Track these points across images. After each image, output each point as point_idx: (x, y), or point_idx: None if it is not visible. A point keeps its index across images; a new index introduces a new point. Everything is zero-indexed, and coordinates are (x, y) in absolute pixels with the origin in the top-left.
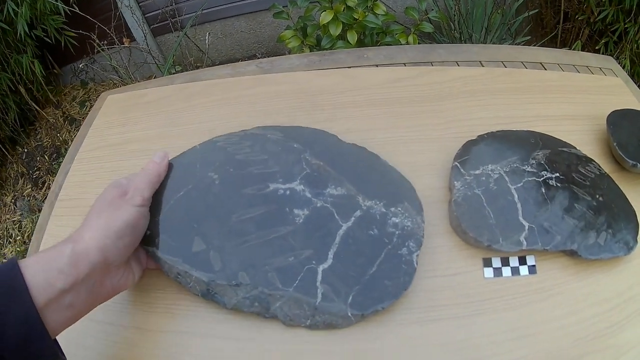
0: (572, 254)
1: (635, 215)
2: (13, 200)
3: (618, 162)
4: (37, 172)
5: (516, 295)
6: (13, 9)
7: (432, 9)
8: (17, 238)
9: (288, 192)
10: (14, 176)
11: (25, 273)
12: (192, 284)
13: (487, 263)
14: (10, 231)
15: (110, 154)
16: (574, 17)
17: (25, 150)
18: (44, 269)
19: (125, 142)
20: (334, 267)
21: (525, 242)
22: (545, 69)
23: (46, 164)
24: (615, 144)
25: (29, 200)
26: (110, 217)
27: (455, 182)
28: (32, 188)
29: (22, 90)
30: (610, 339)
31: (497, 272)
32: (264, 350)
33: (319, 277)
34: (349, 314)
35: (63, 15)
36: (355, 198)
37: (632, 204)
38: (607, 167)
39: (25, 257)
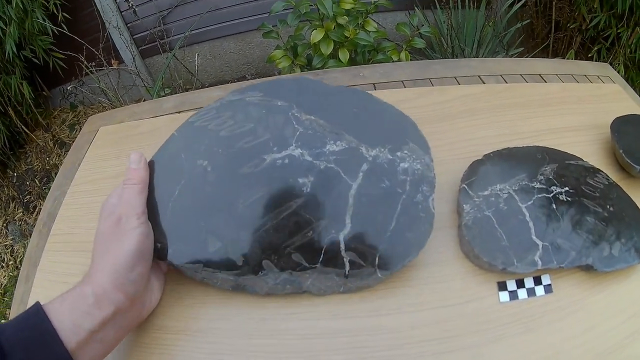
0: (588, 268)
1: None
2: (4, 225)
3: (625, 169)
4: (28, 197)
5: (533, 316)
6: (1, 28)
7: (423, 24)
8: (10, 263)
9: (287, 161)
10: (5, 200)
11: (51, 318)
12: (219, 283)
13: (502, 287)
14: (3, 255)
15: (104, 187)
16: (566, 25)
17: (16, 174)
18: (70, 311)
19: (120, 175)
20: (354, 232)
21: (540, 262)
22: (545, 81)
23: (37, 188)
24: (621, 151)
25: (20, 225)
26: (114, 254)
27: (464, 205)
28: (23, 212)
29: (11, 112)
30: (627, 349)
31: (513, 295)
32: None
33: (342, 246)
34: (379, 275)
35: (51, 35)
36: (358, 150)
37: None
38: (614, 175)
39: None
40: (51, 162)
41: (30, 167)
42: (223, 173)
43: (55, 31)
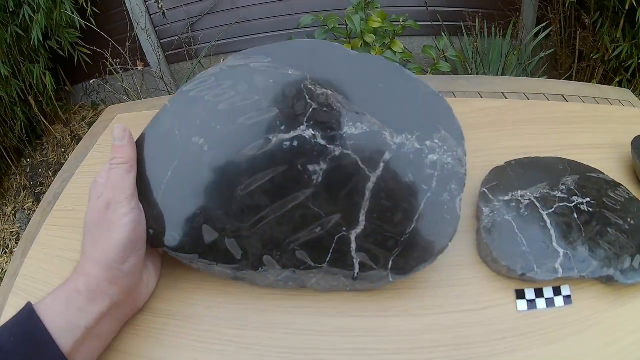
0: (609, 280)
1: None
2: (13, 212)
3: None
4: (40, 188)
5: (552, 329)
6: (29, 15)
7: (449, 49)
8: (14, 250)
9: (296, 143)
10: (16, 188)
11: (45, 319)
12: (217, 273)
13: (520, 295)
14: (7, 242)
15: None
16: (589, 56)
17: (30, 164)
18: (64, 310)
19: None
20: (367, 231)
21: (561, 269)
22: (567, 101)
23: (50, 180)
24: None
25: (29, 214)
26: (105, 245)
27: (483, 209)
28: (33, 202)
29: (32, 101)
30: None
31: (531, 304)
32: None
33: (353, 246)
34: (391, 279)
35: (78, 29)
36: (380, 135)
37: None
38: (634, 192)
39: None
40: (67, 156)
41: (45, 159)
42: (221, 154)
43: (83, 25)
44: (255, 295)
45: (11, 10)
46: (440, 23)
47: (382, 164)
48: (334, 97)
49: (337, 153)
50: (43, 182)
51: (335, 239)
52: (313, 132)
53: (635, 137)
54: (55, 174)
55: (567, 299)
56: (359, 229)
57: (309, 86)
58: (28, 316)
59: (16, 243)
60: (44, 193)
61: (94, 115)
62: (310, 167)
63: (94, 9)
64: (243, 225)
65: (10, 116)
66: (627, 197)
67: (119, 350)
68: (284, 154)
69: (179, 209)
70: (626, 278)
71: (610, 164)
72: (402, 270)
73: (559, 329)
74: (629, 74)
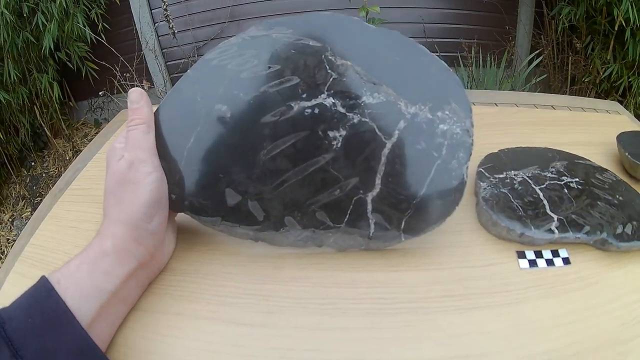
0: (603, 243)
1: None
2: (10, 219)
3: (631, 174)
4: (39, 199)
5: (555, 284)
6: (42, 22)
7: None
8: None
9: (317, 111)
10: (15, 196)
11: (67, 287)
12: (239, 234)
13: (521, 255)
14: (3, 248)
15: None
16: (581, 79)
17: (31, 174)
18: (90, 275)
19: None
20: (382, 194)
21: (557, 231)
22: (555, 110)
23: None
24: (627, 153)
25: (26, 223)
26: (131, 204)
27: (481, 184)
28: (31, 212)
29: (37, 111)
30: None
31: (532, 263)
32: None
33: (369, 207)
34: (403, 239)
35: (89, 42)
36: (396, 105)
37: None
38: None
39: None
40: (69, 166)
41: (46, 171)
42: (244, 120)
43: (94, 39)
44: (273, 254)
45: (25, 15)
46: (438, 54)
47: (397, 132)
48: (353, 68)
49: (355, 120)
50: (42, 192)
51: (353, 200)
52: (333, 101)
53: (621, 133)
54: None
55: (566, 259)
56: (375, 191)
57: (329, 57)
58: (46, 295)
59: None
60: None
61: (96, 133)
62: (331, 133)
63: (105, 24)
64: (266, 188)
65: (15, 123)
66: (614, 179)
67: (134, 307)
68: (305, 120)
69: (202, 174)
70: (620, 242)
71: (596, 158)
72: (413, 230)
73: (561, 284)
74: (619, 94)
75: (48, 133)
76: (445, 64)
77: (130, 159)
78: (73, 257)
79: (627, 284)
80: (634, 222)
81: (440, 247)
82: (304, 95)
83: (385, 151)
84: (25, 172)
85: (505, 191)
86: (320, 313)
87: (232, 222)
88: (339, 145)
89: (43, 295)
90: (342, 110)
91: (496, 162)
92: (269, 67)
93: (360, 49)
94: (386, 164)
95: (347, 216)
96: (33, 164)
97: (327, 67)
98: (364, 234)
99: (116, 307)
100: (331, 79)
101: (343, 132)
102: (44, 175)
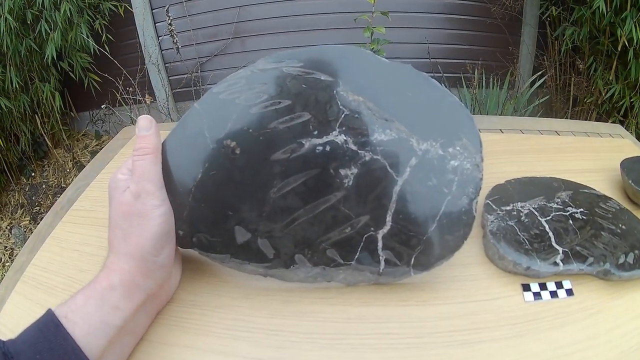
0: (606, 274)
1: None
2: (9, 227)
3: (634, 201)
4: (37, 208)
5: (558, 315)
6: (46, 30)
7: None
8: (7, 264)
9: (328, 148)
10: (14, 204)
11: (75, 321)
12: (248, 271)
13: (526, 288)
14: (1, 256)
15: None
16: (583, 100)
17: (30, 183)
18: (98, 310)
19: None
20: (393, 230)
21: (561, 264)
22: (559, 135)
23: (48, 202)
24: (630, 181)
25: (24, 232)
26: (139, 238)
27: (488, 216)
28: (29, 221)
29: (38, 120)
30: None
31: (537, 296)
32: None
33: (380, 244)
34: (412, 274)
35: (92, 53)
36: (408, 142)
37: None
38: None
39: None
40: (67, 181)
41: (45, 181)
42: (254, 157)
43: (97, 50)
44: (282, 287)
45: (29, 22)
46: (441, 75)
47: (408, 169)
48: (365, 104)
49: (367, 158)
50: (41, 202)
51: (364, 238)
52: (345, 138)
53: (624, 159)
54: (54, 196)
55: (569, 291)
56: (386, 229)
57: (341, 92)
58: (54, 330)
59: (9, 258)
60: (41, 213)
61: (96, 145)
62: (342, 171)
63: (109, 36)
64: (276, 226)
65: (16, 132)
66: (618, 207)
67: (143, 338)
68: (317, 158)
69: (211, 211)
70: (622, 271)
71: (600, 185)
72: (423, 266)
73: (564, 316)
74: (621, 114)
75: (48, 142)
76: (457, 99)
77: (137, 190)
78: (79, 291)
79: (628, 312)
80: (636, 251)
81: (448, 282)
82: (315, 132)
83: (397, 188)
84: (24, 180)
85: (512, 224)
86: (330, 348)
87: (241, 259)
88: (351, 183)
89: (51, 331)
90: (353, 147)
91: (503, 194)
92: (279, 102)
93: (372, 84)
94: (397, 201)
95: (358, 253)
96: (33, 173)
97: (339, 103)
98: (374, 271)
99: (124, 340)
100: (343, 115)
101: (355, 170)
102: (43, 185)
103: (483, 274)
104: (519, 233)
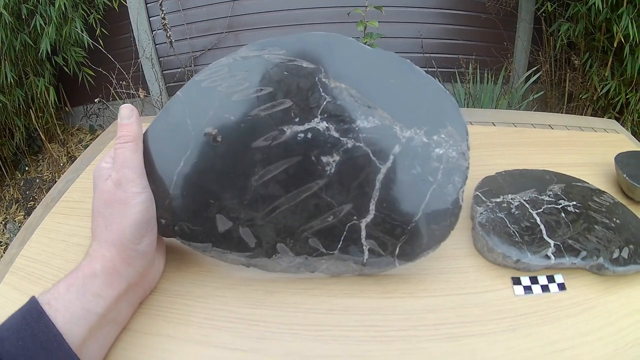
0: (600, 268)
1: None
2: (3, 222)
3: (628, 195)
4: (32, 203)
5: (549, 310)
6: (40, 25)
7: None
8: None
9: (310, 135)
10: (9, 199)
11: (58, 309)
12: (230, 260)
13: (517, 281)
14: None
15: None
16: (578, 96)
17: (25, 178)
18: (80, 297)
19: None
20: (377, 219)
21: (553, 257)
22: (553, 129)
23: (43, 196)
24: (625, 175)
25: (19, 226)
26: (119, 225)
27: (477, 208)
28: (24, 216)
29: (32, 114)
30: None
31: (528, 289)
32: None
33: (363, 233)
34: (397, 265)
35: (85, 48)
36: (391, 129)
37: None
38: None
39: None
40: (61, 176)
41: (39, 175)
42: (235, 144)
43: (91, 45)
44: (265, 278)
45: (24, 17)
46: (435, 69)
47: (392, 157)
48: (347, 91)
49: (349, 145)
50: (36, 197)
51: (347, 227)
52: (327, 125)
53: (619, 154)
54: (48, 191)
55: (561, 285)
56: (369, 217)
57: (323, 79)
58: (37, 317)
59: (4, 252)
60: (36, 208)
61: (90, 139)
62: (324, 159)
63: (103, 30)
64: (257, 214)
65: (10, 126)
66: (612, 201)
67: (125, 327)
68: (298, 145)
69: (193, 199)
70: (616, 266)
71: (594, 179)
72: (408, 256)
73: (555, 311)
74: (616, 111)
75: (43, 137)
76: (442, 86)
77: (117, 178)
78: (63, 278)
79: (622, 308)
80: (631, 246)
81: (435, 274)
82: (297, 119)
83: (380, 176)
84: (19, 175)
85: (502, 216)
86: (312, 340)
87: (223, 248)
88: (333, 170)
89: (34, 318)
90: (335, 134)
91: (493, 186)
92: (261, 90)
93: (355, 71)
94: (381, 190)
95: (341, 243)
96: (27, 168)
97: (321, 90)
98: (357, 261)
99: (106, 328)
100: (325, 102)
101: (337, 158)
102: (37, 179)
103: (471, 267)
104: (509, 225)
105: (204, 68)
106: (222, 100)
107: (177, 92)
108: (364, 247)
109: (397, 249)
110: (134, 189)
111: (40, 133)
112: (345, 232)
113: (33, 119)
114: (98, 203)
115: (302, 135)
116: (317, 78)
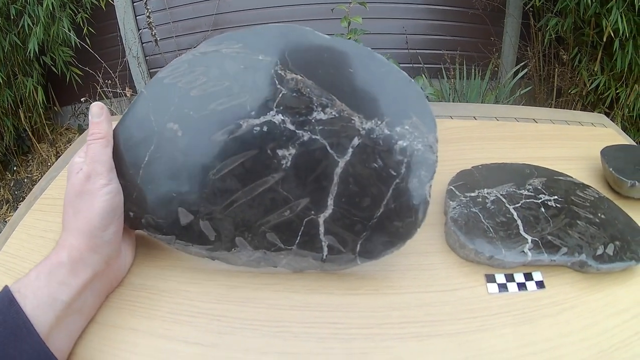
0: (582, 265)
1: None
2: None
3: (615, 190)
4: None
5: (526, 310)
6: (28, 25)
7: (426, 88)
8: None
9: (265, 128)
10: None
11: (27, 295)
12: (193, 253)
13: (491, 279)
14: None
15: None
16: (567, 91)
17: (15, 178)
18: (46, 284)
19: None
20: (336, 215)
21: (530, 254)
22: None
23: None
24: (611, 169)
25: None
26: (86, 214)
27: (450, 202)
28: None
29: (21, 114)
30: (637, 346)
31: (502, 287)
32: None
33: (322, 229)
34: (359, 262)
35: (73, 47)
36: (350, 120)
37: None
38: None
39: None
40: (45, 174)
41: (29, 175)
42: (195, 138)
43: (78, 44)
44: (229, 273)
45: (12, 17)
46: (421, 65)
47: (350, 150)
48: (303, 83)
49: (305, 138)
50: (25, 197)
51: (304, 222)
52: (282, 118)
53: (605, 147)
54: None
55: (540, 283)
56: (327, 212)
57: (279, 71)
58: (8, 304)
59: None
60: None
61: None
62: (280, 152)
63: (90, 29)
64: (216, 207)
65: (0, 127)
66: (597, 196)
67: (91, 319)
68: (254, 138)
69: (157, 192)
70: (600, 264)
71: (579, 174)
72: (370, 254)
73: (533, 310)
74: (606, 106)
75: (32, 137)
76: (407, 75)
77: (87, 171)
78: (33, 267)
79: (607, 307)
80: (617, 242)
81: (404, 270)
82: (253, 113)
83: (338, 170)
84: (9, 175)
85: (476, 210)
86: (271, 336)
87: (185, 241)
88: (289, 164)
89: (5, 305)
90: (291, 127)
91: (468, 180)
92: (218, 84)
93: (311, 62)
94: (339, 184)
95: (299, 238)
96: (15, 168)
97: (277, 82)
98: (317, 257)
99: (72, 317)
100: (280, 95)
101: (292, 151)
102: (26, 179)
103: (442, 264)
104: (483, 220)
105: (167, 65)
106: (182, 95)
107: (142, 89)
108: (323, 243)
109: (358, 245)
110: (101, 181)
111: (30, 133)
112: (302, 227)
113: (22, 119)
114: (69, 194)
115: (257, 128)
116: (273, 70)
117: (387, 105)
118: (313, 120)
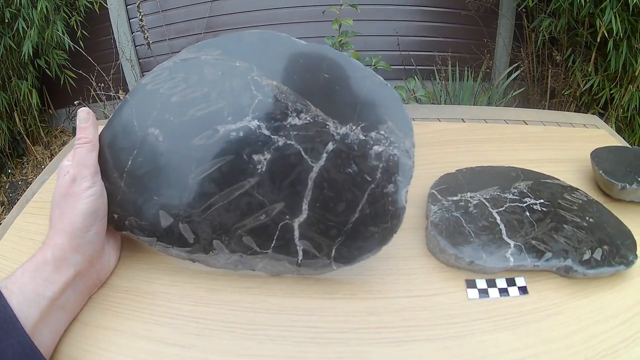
0: (567, 271)
1: (631, 234)
2: None
3: (605, 192)
4: None
5: (508, 315)
6: (23, 28)
7: (418, 91)
8: None
9: (242, 134)
10: None
11: (13, 291)
12: (174, 255)
13: (471, 284)
14: None
15: None
16: (560, 92)
17: (10, 180)
18: (31, 281)
19: None
20: (310, 220)
21: (512, 259)
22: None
23: None
24: (601, 171)
25: None
26: (70, 214)
27: (432, 206)
28: None
29: (16, 117)
30: (625, 354)
31: (483, 293)
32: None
33: (296, 234)
34: (334, 268)
35: (67, 50)
36: (324, 125)
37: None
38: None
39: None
40: (37, 177)
41: (24, 178)
42: (175, 143)
43: (72, 47)
44: (209, 276)
45: (7, 21)
46: (414, 67)
47: (324, 155)
48: (279, 88)
49: (280, 143)
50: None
51: (279, 226)
52: (258, 123)
53: (595, 149)
54: None
55: (523, 289)
56: (302, 217)
57: (255, 77)
58: None
59: None
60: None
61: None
62: (255, 157)
63: (84, 32)
64: (195, 211)
65: None
66: (586, 199)
67: (76, 320)
68: (231, 144)
69: (140, 195)
70: (587, 269)
71: (568, 176)
72: (346, 259)
73: (515, 316)
74: (600, 107)
75: (27, 140)
76: (382, 79)
77: (73, 174)
78: (21, 265)
79: (594, 314)
80: (605, 247)
81: (382, 275)
82: (230, 118)
83: (312, 175)
84: (4, 178)
85: (458, 215)
86: (247, 338)
87: (166, 243)
88: (264, 169)
89: None
90: (266, 132)
91: (452, 183)
92: (197, 90)
93: (287, 68)
94: (313, 189)
95: (274, 242)
96: (10, 170)
97: (253, 88)
98: (292, 261)
99: (56, 313)
100: (256, 101)
101: (267, 156)
102: (21, 182)
103: (422, 268)
104: (465, 225)
105: (150, 72)
106: (163, 102)
107: (126, 95)
108: (298, 248)
109: (333, 251)
110: (85, 183)
111: (25, 135)
112: (278, 232)
113: (17, 122)
114: (56, 196)
115: (234, 134)
116: (249, 77)
117: (362, 110)
118: (288, 126)
